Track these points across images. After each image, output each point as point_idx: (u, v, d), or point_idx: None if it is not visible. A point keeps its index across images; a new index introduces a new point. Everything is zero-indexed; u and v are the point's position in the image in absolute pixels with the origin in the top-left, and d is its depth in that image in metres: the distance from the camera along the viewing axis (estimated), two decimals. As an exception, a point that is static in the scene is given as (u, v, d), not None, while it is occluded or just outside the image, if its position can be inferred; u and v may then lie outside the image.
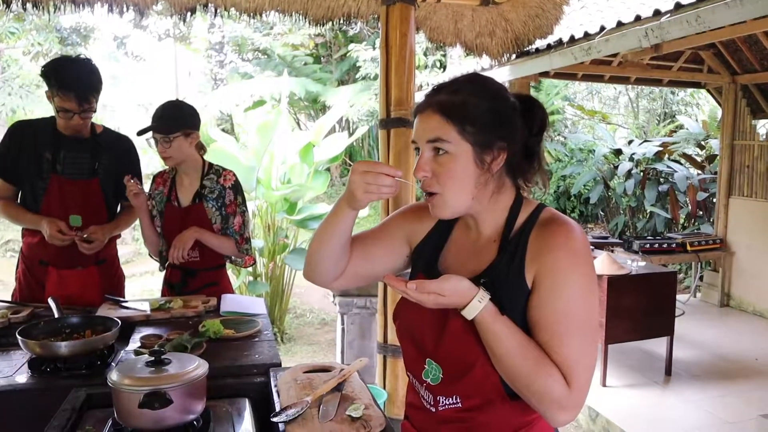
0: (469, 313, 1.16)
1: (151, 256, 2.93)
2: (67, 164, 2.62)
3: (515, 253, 1.23)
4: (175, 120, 2.57)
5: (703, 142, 8.41)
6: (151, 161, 9.81)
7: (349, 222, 1.33)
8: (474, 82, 1.25)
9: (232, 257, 2.79)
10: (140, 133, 2.62)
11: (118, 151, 2.79)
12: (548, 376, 1.13)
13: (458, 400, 1.25)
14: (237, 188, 2.72)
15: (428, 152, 1.22)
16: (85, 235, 2.54)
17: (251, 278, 5.65)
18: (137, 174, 2.80)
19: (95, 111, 2.60)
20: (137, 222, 2.83)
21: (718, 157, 6.62)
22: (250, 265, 2.88)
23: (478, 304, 1.15)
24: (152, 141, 2.62)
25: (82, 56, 2.62)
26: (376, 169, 1.21)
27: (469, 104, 1.19)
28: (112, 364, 1.88)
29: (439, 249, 1.38)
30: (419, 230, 1.43)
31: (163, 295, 2.79)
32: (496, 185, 1.26)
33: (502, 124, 1.21)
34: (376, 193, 1.21)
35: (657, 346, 4.63)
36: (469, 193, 1.22)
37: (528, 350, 1.15)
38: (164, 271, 2.85)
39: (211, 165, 2.76)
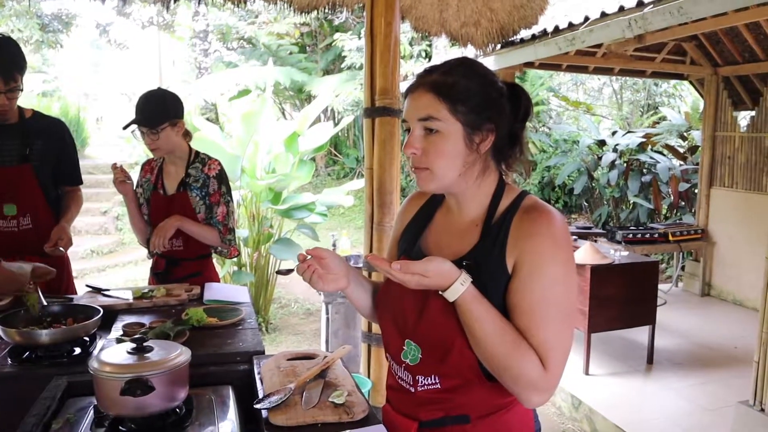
0: (450, 295, 1.17)
1: (140, 243, 2.90)
2: None
3: (497, 237, 1.25)
4: (161, 111, 2.54)
5: (685, 134, 8.48)
6: (134, 150, 9.73)
7: (358, 294, 1.46)
8: (465, 64, 1.27)
9: (217, 248, 2.78)
10: (125, 126, 2.58)
11: (53, 135, 2.70)
12: (525, 358, 1.16)
13: (437, 381, 1.27)
14: (221, 178, 2.71)
15: (419, 130, 1.25)
16: (60, 248, 2.50)
17: (236, 268, 5.63)
18: (76, 158, 2.78)
19: (21, 90, 2.49)
20: (123, 211, 2.80)
21: (700, 148, 6.68)
22: (234, 256, 2.88)
23: (460, 287, 1.16)
24: (137, 133, 2.59)
25: (2, 35, 2.51)
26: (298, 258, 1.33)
27: (460, 84, 1.22)
28: (94, 352, 1.87)
29: (422, 231, 1.41)
30: (406, 219, 1.47)
31: (149, 284, 2.78)
32: (482, 167, 1.29)
33: (491, 106, 1.24)
34: (309, 279, 1.31)
35: (639, 334, 4.69)
36: (456, 171, 1.25)
37: (506, 333, 1.17)
38: (151, 260, 2.83)
39: (197, 153, 2.74)
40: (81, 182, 2.86)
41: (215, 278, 2.84)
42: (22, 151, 2.58)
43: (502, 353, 1.16)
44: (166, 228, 2.55)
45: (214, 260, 4.56)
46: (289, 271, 1.43)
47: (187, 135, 2.71)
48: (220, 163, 2.74)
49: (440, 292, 1.19)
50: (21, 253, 2.49)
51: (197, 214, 2.68)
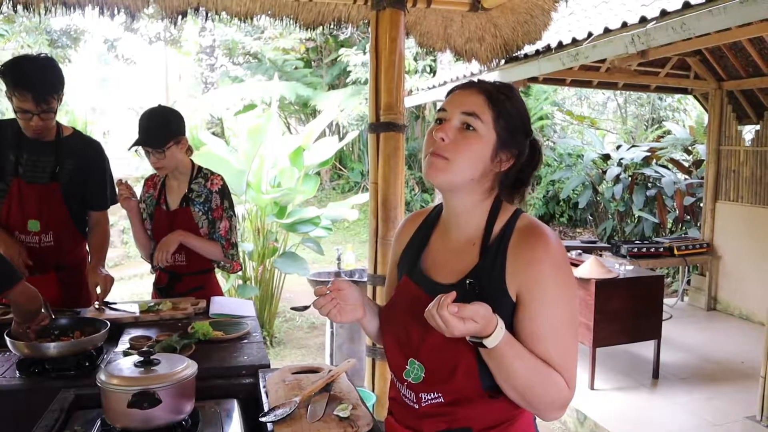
0: (491, 342, 1.13)
1: (143, 258, 2.92)
2: (28, 167, 2.55)
3: (495, 258, 1.27)
4: (165, 130, 2.57)
5: (690, 148, 8.48)
6: (141, 164, 9.78)
7: (371, 320, 1.43)
8: (513, 90, 1.34)
9: (220, 262, 2.79)
10: (131, 147, 2.60)
11: (86, 155, 2.69)
12: (554, 382, 1.20)
13: (440, 396, 1.28)
14: (224, 192, 2.72)
15: (457, 122, 1.28)
16: (98, 303, 2.45)
17: (241, 282, 5.64)
18: (104, 181, 2.75)
19: (55, 112, 2.51)
20: (129, 225, 2.81)
21: (704, 162, 6.68)
22: (237, 271, 2.89)
23: (501, 332, 1.14)
24: (142, 151, 2.62)
25: (42, 55, 2.54)
26: (315, 293, 1.32)
27: (507, 103, 1.29)
28: (101, 365, 1.88)
29: (421, 252, 1.41)
30: (403, 242, 1.48)
31: (152, 298, 2.79)
32: (489, 185, 1.32)
33: (521, 136, 1.30)
34: (328, 311, 1.31)
35: (644, 349, 4.67)
36: (471, 174, 1.28)
37: (536, 363, 1.19)
38: (154, 275, 2.85)
39: (200, 168, 2.76)
40: (107, 206, 2.79)
41: (218, 292, 2.85)
42: (53, 170, 2.59)
43: (537, 383, 1.19)
44: (169, 243, 2.57)
45: (219, 274, 4.58)
46: (305, 308, 1.41)
47: (189, 150, 2.73)
48: (222, 178, 2.75)
49: (471, 339, 1.16)
50: (40, 269, 2.52)
51: (200, 229, 2.70)
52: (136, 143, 2.56)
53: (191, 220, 2.69)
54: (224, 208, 2.72)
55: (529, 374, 1.18)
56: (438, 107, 1.34)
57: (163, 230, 2.65)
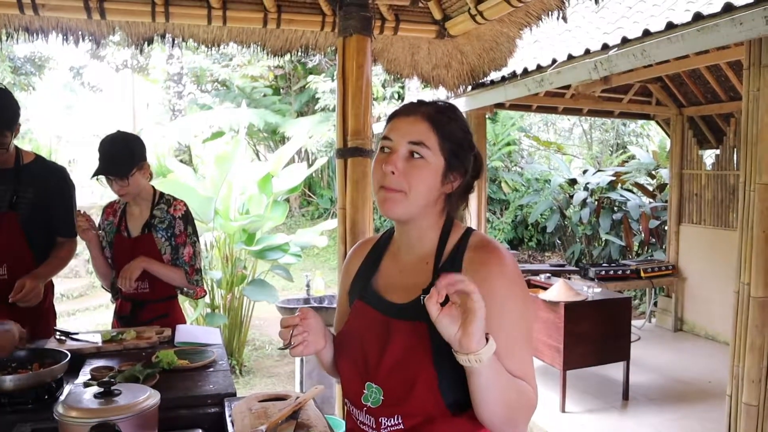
0: (486, 353, 1.08)
1: (104, 288, 2.86)
2: None
3: None
4: (128, 158, 2.53)
5: (653, 172, 8.67)
6: (106, 191, 9.63)
7: (329, 351, 1.38)
8: (454, 111, 1.34)
9: (184, 288, 2.75)
10: (93, 176, 2.55)
11: (49, 183, 2.61)
12: (528, 394, 1.21)
13: (400, 421, 1.25)
14: (187, 218, 2.69)
15: (404, 152, 1.27)
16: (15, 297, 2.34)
17: (209, 310, 5.56)
18: (70, 208, 2.66)
19: (8, 144, 2.44)
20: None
21: (668, 186, 6.83)
22: (201, 297, 2.84)
23: (493, 344, 1.10)
24: (104, 179, 2.54)
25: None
26: (283, 325, 1.26)
27: (451, 125, 1.29)
28: (60, 397, 1.82)
29: (372, 275, 1.40)
30: (353, 271, 1.46)
31: (113, 327, 2.72)
32: (441, 207, 1.33)
33: (466, 154, 1.31)
34: (300, 344, 1.25)
35: (614, 371, 4.70)
36: (425, 200, 1.28)
37: (511, 378, 1.18)
38: (115, 304, 2.78)
39: (162, 194, 2.72)
40: (74, 234, 2.69)
41: (181, 319, 2.79)
42: (10, 199, 2.50)
43: (514, 398, 1.18)
44: (132, 269, 2.52)
45: (186, 303, 4.49)
46: (288, 345, 1.26)
47: (150, 175, 2.69)
48: (185, 204, 2.72)
49: (458, 353, 1.10)
50: None
51: (163, 255, 2.65)
52: (98, 172, 2.50)
53: (154, 246, 2.64)
54: (188, 233, 2.68)
55: (514, 385, 1.18)
56: (382, 134, 1.33)
57: (125, 257, 2.59)
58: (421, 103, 1.33)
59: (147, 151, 2.68)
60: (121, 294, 2.63)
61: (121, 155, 2.52)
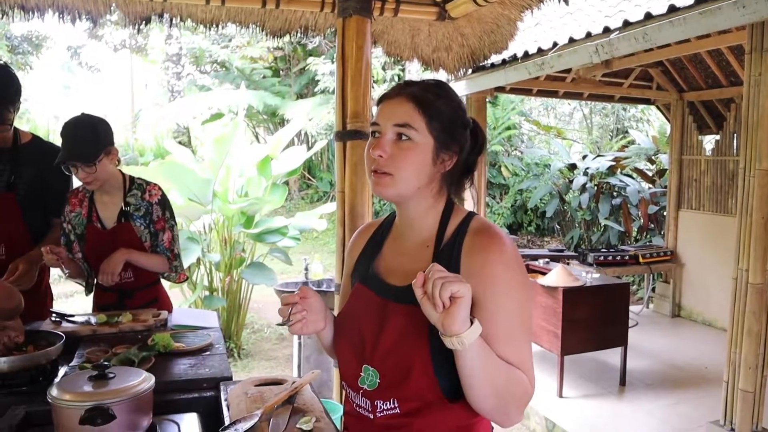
0: (471, 335, 1.08)
1: (77, 282, 2.69)
2: None
3: (450, 260, 1.25)
4: (95, 143, 2.36)
5: (653, 157, 8.64)
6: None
7: (329, 332, 1.39)
8: (443, 87, 1.32)
9: (164, 273, 2.66)
10: (57, 163, 2.36)
11: (45, 163, 2.50)
12: (522, 381, 1.19)
13: (396, 405, 1.25)
14: (164, 203, 2.58)
15: (391, 135, 1.26)
16: (8, 279, 2.30)
17: (207, 293, 5.56)
18: (66, 189, 2.57)
19: (11, 122, 2.41)
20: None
21: (667, 172, 6.81)
22: (183, 281, 2.76)
23: (479, 326, 1.10)
24: (69, 166, 2.37)
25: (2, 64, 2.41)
26: (283, 302, 1.27)
27: (438, 103, 1.27)
28: (55, 380, 1.81)
29: (374, 258, 1.40)
30: (356, 253, 1.47)
31: None
32: (438, 188, 1.31)
33: (459, 130, 1.29)
34: (299, 321, 1.26)
35: (611, 356, 4.71)
36: (417, 182, 1.27)
37: (501, 362, 1.17)
38: (91, 295, 2.65)
39: (132, 179, 2.58)
40: None
41: (168, 302, 2.72)
42: (8, 179, 2.47)
43: (513, 381, 1.17)
44: (115, 263, 2.39)
45: (185, 286, 4.48)
46: (287, 321, 1.28)
47: (118, 161, 2.53)
48: (160, 188, 2.60)
49: (443, 336, 1.09)
50: None
51: (143, 243, 2.55)
52: (62, 158, 2.32)
53: (134, 236, 2.52)
54: (165, 218, 2.57)
55: (505, 372, 1.16)
56: (372, 119, 1.32)
57: (104, 250, 2.45)
58: (407, 83, 1.31)
59: (113, 134, 2.51)
60: (105, 286, 2.50)
61: (87, 139, 2.34)
